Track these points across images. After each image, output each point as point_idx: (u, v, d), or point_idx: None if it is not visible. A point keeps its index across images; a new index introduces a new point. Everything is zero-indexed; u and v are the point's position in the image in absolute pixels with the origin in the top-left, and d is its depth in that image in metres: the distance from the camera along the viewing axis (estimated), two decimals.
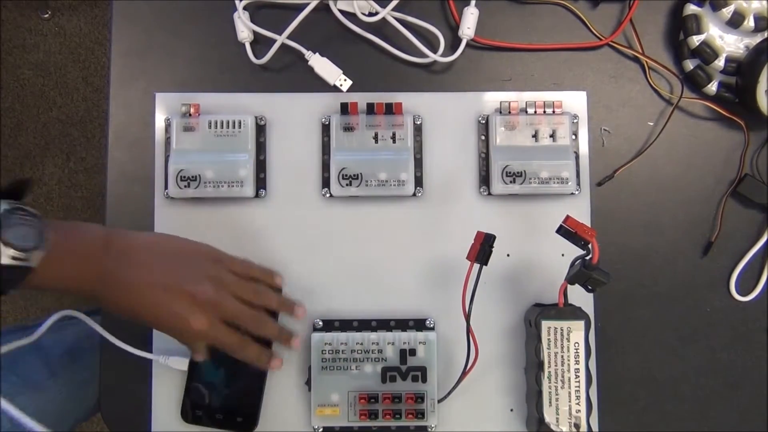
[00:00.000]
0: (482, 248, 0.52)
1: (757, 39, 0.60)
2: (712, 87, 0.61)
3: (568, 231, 0.51)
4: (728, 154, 0.62)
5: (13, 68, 1.39)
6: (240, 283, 0.52)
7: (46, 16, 1.39)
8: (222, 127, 0.59)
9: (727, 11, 0.58)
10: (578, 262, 0.52)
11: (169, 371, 0.58)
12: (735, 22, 0.59)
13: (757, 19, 0.59)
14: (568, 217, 0.51)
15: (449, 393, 0.57)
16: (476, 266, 0.52)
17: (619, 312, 0.61)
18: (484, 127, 0.60)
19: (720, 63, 0.59)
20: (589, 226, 0.59)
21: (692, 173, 0.62)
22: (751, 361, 0.61)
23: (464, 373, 0.55)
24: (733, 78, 0.60)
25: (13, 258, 0.42)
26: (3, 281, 0.42)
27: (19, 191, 0.45)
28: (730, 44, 0.60)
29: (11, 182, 0.45)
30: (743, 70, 0.59)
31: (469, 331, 0.54)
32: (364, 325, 0.59)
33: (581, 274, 0.51)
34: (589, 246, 0.50)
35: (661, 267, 0.61)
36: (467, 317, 0.53)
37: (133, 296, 0.49)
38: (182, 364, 0.58)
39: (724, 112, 0.61)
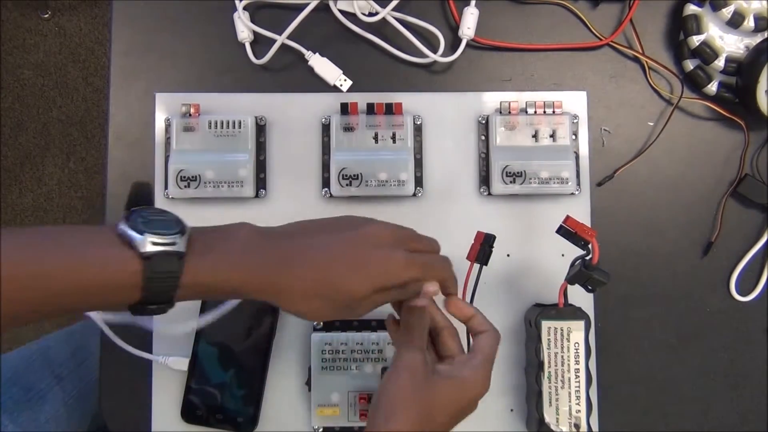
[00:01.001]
0: (482, 248, 0.52)
1: (757, 39, 0.60)
2: (712, 87, 0.61)
3: (568, 231, 0.51)
4: (728, 154, 0.62)
5: (13, 68, 1.39)
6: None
7: (46, 16, 1.40)
8: (222, 127, 0.59)
9: (727, 11, 0.58)
10: (578, 262, 0.52)
11: (169, 371, 0.58)
12: (735, 22, 0.59)
13: (757, 19, 0.59)
14: (568, 217, 0.51)
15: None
16: (476, 266, 0.52)
17: (619, 312, 0.61)
18: (484, 127, 0.60)
19: (720, 63, 0.59)
20: (589, 226, 0.60)
21: (692, 173, 0.62)
22: (751, 361, 0.61)
23: None
24: (733, 78, 0.60)
25: (160, 244, 0.38)
26: (155, 276, 0.38)
27: (143, 195, 0.43)
28: (730, 44, 0.60)
29: (132, 189, 0.42)
30: (743, 70, 0.59)
31: (469, 334, 0.54)
32: (364, 325, 0.59)
33: (581, 274, 0.51)
34: (589, 246, 0.50)
35: (661, 267, 0.61)
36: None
37: (316, 266, 0.41)
38: (182, 364, 0.58)
39: (724, 112, 0.61)
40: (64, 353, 0.67)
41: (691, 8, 0.60)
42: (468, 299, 0.53)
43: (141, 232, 0.38)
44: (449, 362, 0.47)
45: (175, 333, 0.58)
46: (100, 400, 0.60)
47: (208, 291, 0.40)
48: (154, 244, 0.38)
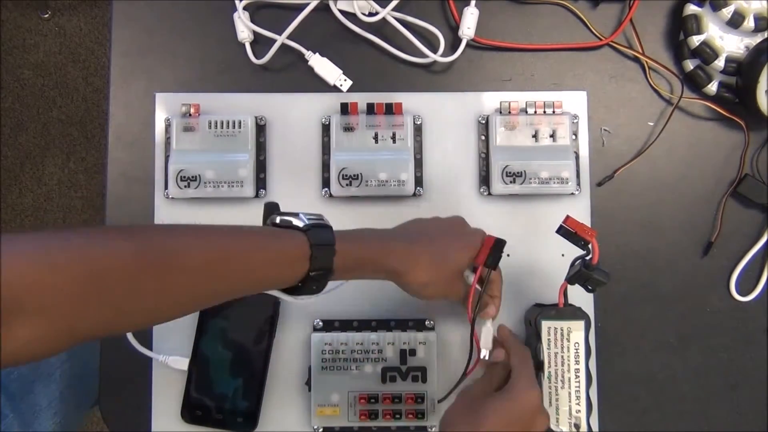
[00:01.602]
0: (493, 253, 0.52)
1: (757, 39, 0.60)
2: (712, 87, 0.61)
3: (568, 231, 0.51)
4: (728, 154, 0.62)
5: (13, 68, 1.39)
6: None
7: (46, 16, 1.39)
8: (222, 127, 0.59)
9: (727, 11, 0.58)
10: (578, 262, 0.52)
11: (169, 371, 0.58)
12: (735, 22, 0.59)
13: (757, 19, 0.59)
14: (568, 217, 0.51)
15: (449, 393, 0.57)
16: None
17: (619, 312, 0.61)
18: (484, 127, 0.60)
19: (720, 63, 0.59)
20: (589, 226, 0.60)
21: (692, 173, 0.62)
22: (751, 361, 0.61)
23: (464, 375, 0.55)
24: (733, 78, 0.60)
25: (311, 219, 0.46)
26: (318, 245, 0.45)
27: (272, 211, 0.49)
28: (730, 44, 0.60)
29: (264, 210, 0.49)
30: (743, 70, 0.59)
31: (473, 335, 0.54)
32: (364, 325, 0.59)
33: (581, 274, 0.51)
34: (589, 246, 0.50)
35: (661, 267, 0.61)
36: (472, 322, 0.53)
37: (443, 238, 0.51)
38: (182, 363, 0.58)
39: (724, 112, 0.61)
40: None
41: (691, 8, 0.60)
42: (473, 305, 0.53)
43: (295, 218, 0.46)
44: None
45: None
46: (100, 400, 0.60)
47: (356, 264, 0.48)
48: (309, 220, 0.46)
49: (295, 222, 0.46)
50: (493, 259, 0.52)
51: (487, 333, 0.54)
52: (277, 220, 0.47)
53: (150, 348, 0.59)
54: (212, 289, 0.42)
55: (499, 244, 0.52)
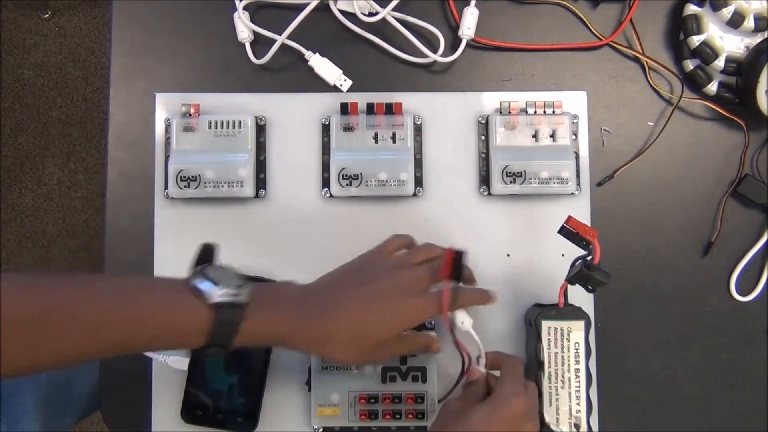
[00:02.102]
0: (454, 266, 0.50)
1: (757, 39, 0.60)
2: (712, 87, 0.61)
3: (570, 231, 0.51)
4: (728, 154, 0.62)
5: (13, 68, 1.39)
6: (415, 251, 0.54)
7: (46, 16, 1.40)
8: (222, 127, 0.59)
9: (727, 11, 0.58)
10: (579, 262, 0.52)
11: (169, 371, 0.58)
12: (735, 22, 0.59)
13: (757, 19, 0.59)
14: (569, 217, 0.51)
15: (449, 393, 0.57)
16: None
17: (619, 312, 0.61)
18: (484, 127, 0.60)
19: (720, 63, 0.59)
20: (590, 226, 0.60)
21: (692, 173, 0.62)
22: (751, 361, 0.61)
23: (461, 377, 0.55)
24: (733, 78, 0.60)
25: (228, 295, 0.44)
26: (224, 324, 0.44)
27: (207, 256, 0.48)
28: (730, 44, 0.60)
29: (199, 250, 0.48)
30: (743, 70, 0.59)
31: (456, 343, 0.53)
32: None
33: (582, 274, 0.51)
34: (591, 246, 0.50)
35: (661, 267, 0.61)
36: (452, 331, 0.52)
37: (353, 315, 0.48)
38: (182, 363, 0.58)
39: (724, 112, 0.61)
40: None
41: (691, 8, 0.60)
42: (449, 319, 0.51)
43: (212, 285, 0.44)
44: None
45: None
46: (100, 400, 0.60)
47: (261, 339, 0.46)
48: (222, 295, 0.44)
49: (208, 293, 0.44)
50: (456, 273, 0.50)
51: (472, 341, 0.53)
52: (194, 282, 0.45)
53: None
54: (93, 351, 0.43)
55: (458, 257, 0.50)
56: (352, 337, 0.47)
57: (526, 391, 0.50)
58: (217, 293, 0.44)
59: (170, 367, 0.58)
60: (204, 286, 0.44)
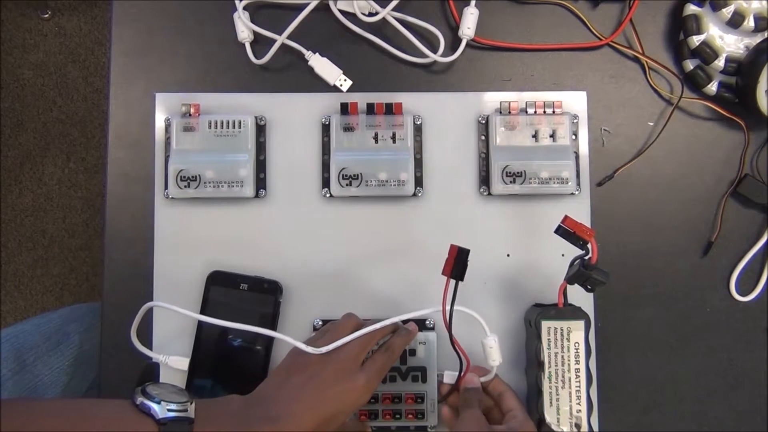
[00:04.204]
0: (457, 263, 0.50)
1: (757, 39, 0.60)
2: (712, 87, 0.61)
3: (567, 231, 0.51)
4: (728, 154, 0.62)
5: (13, 68, 1.39)
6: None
7: (46, 16, 1.40)
8: (222, 127, 0.59)
9: (727, 11, 0.58)
10: (577, 262, 0.52)
11: (169, 371, 0.58)
12: (735, 22, 0.59)
13: (757, 19, 0.59)
14: (566, 217, 0.51)
15: (448, 393, 0.57)
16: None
17: (619, 312, 0.61)
18: (484, 127, 0.60)
19: (720, 63, 0.59)
20: (589, 226, 0.60)
21: (692, 173, 0.62)
22: (751, 361, 0.61)
23: (459, 379, 0.56)
24: (733, 78, 0.60)
25: (175, 410, 0.45)
26: None
27: (149, 376, 0.51)
28: (730, 44, 0.60)
29: (141, 371, 0.50)
30: (743, 70, 0.59)
31: (453, 342, 0.53)
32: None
33: (580, 274, 0.51)
34: (588, 246, 0.50)
35: (661, 267, 0.61)
36: (449, 329, 0.52)
37: (299, 415, 0.48)
38: (183, 363, 0.58)
39: (724, 112, 0.61)
40: (37, 338, 0.68)
41: (691, 8, 0.60)
42: (447, 315, 0.51)
43: (158, 402, 0.45)
44: (507, 419, 0.54)
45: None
46: (99, 386, 0.60)
47: None
48: (170, 411, 0.45)
49: (154, 409, 0.45)
50: (457, 270, 0.50)
51: (491, 349, 0.55)
52: (138, 400, 0.45)
53: (150, 348, 0.59)
54: None
55: (462, 254, 0.50)
56: None
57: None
58: (165, 409, 0.45)
59: (170, 366, 0.58)
60: (150, 403, 0.45)
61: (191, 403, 0.46)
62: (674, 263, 0.61)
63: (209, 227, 0.60)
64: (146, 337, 0.59)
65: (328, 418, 0.49)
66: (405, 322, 0.59)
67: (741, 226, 0.61)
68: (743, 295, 0.61)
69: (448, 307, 0.51)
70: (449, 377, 0.57)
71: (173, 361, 0.58)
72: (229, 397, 0.49)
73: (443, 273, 0.50)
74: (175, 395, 0.46)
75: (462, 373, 0.55)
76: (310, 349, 0.51)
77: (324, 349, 0.50)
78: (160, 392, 0.46)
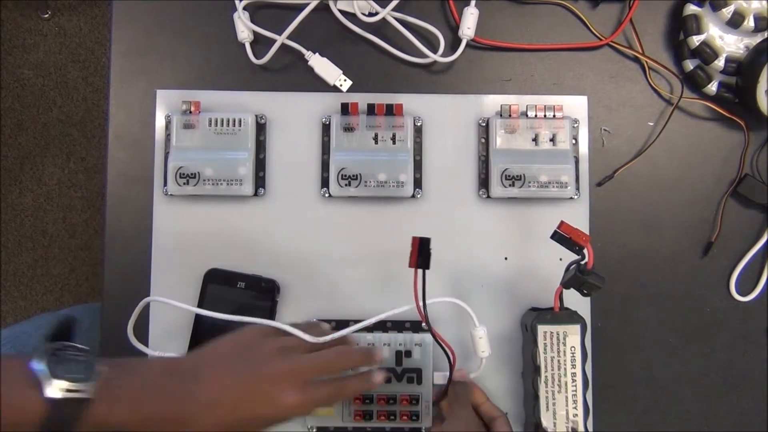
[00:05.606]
0: (420, 253, 0.50)
1: (757, 39, 0.60)
2: (712, 87, 0.61)
3: (563, 236, 0.51)
4: (728, 154, 0.62)
5: (13, 68, 1.39)
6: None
7: (46, 16, 1.40)
8: (222, 125, 0.59)
9: (727, 11, 0.58)
10: (573, 266, 0.52)
11: None
12: (735, 22, 0.59)
13: (757, 19, 0.58)
14: (562, 222, 0.51)
15: (444, 394, 0.57)
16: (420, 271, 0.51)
17: (619, 312, 0.61)
18: (485, 130, 0.60)
19: (720, 63, 0.59)
20: (588, 227, 0.60)
21: (692, 173, 0.62)
22: (751, 361, 0.61)
23: (451, 374, 0.56)
24: (733, 78, 0.60)
25: (67, 390, 0.40)
26: (60, 419, 0.40)
27: (65, 331, 0.44)
28: (730, 44, 0.60)
29: (56, 324, 0.43)
30: (743, 70, 0.59)
31: (433, 333, 0.53)
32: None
33: (576, 278, 0.51)
34: (584, 251, 0.50)
35: (661, 267, 0.61)
36: (427, 322, 0.51)
37: (218, 407, 0.45)
38: None
39: (724, 112, 0.61)
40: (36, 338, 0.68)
41: (691, 8, 0.60)
42: (421, 305, 0.51)
43: (52, 376, 0.40)
44: None
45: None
46: None
47: (111, 429, 0.42)
48: (62, 390, 0.40)
49: (44, 384, 0.40)
50: (422, 260, 0.50)
51: (480, 340, 0.55)
52: (34, 365, 0.40)
53: (146, 345, 0.59)
54: None
55: (424, 243, 0.50)
56: (218, 427, 0.44)
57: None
58: (57, 387, 0.40)
59: None
60: (44, 374, 0.40)
61: (94, 379, 0.41)
62: (674, 263, 0.61)
63: (207, 225, 0.60)
64: (143, 335, 0.59)
65: (241, 420, 0.45)
66: (401, 325, 0.59)
67: (741, 226, 0.61)
68: (743, 295, 0.61)
69: (421, 302, 0.50)
70: (439, 377, 0.57)
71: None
72: (151, 362, 0.46)
73: (410, 265, 0.50)
74: (76, 366, 0.41)
75: (451, 365, 0.55)
76: (307, 337, 0.50)
77: (322, 339, 0.49)
78: (62, 360, 0.41)
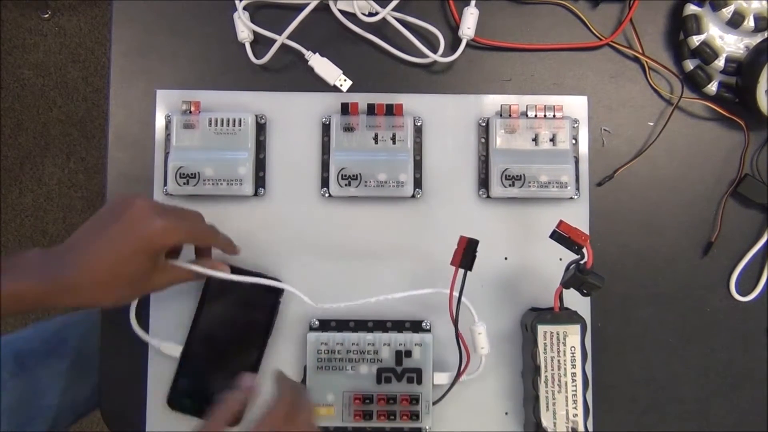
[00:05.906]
0: (466, 254, 0.51)
1: (757, 39, 0.60)
2: (712, 87, 0.61)
3: (562, 236, 0.51)
4: (728, 154, 0.62)
5: (13, 68, 1.39)
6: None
7: (46, 16, 1.40)
8: (222, 124, 0.59)
9: (727, 11, 0.58)
10: (573, 266, 0.52)
11: (163, 357, 0.58)
12: (735, 22, 0.59)
13: (757, 19, 0.58)
14: (561, 221, 0.51)
15: (444, 395, 0.57)
16: (461, 271, 0.52)
17: (619, 312, 0.61)
18: (485, 130, 0.60)
19: (720, 63, 0.59)
20: (588, 227, 0.60)
21: (692, 173, 0.62)
22: (751, 361, 0.61)
23: (458, 376, 0.55)
24: (733, 78, 0.60)
25: None
26: None
27: None
28: (730, 44, 0.60)
29: None
30: (743, 70, 0.59)
31: (458, 335, 0.54)
32: (361, 325, 0.59)
33: (576, 278, 0.51)
34: (583, 251, 0.50)
35: (661, 267, 0.61)
36: (455, 322, 0.53)
37: (98, 256, 0.48)
38: (175, 350, 0.58)
39: (724, 112, 0.61)
40: (34, 344, 0.68)
41: (691, 8, 0.60)
42: (454, 305, 0.52)
43: None
44: None
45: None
46: (99, 400, 0.60)
47: (12, 305, 0.46)
48: None
49: None
50: (466, 260, 0.51)
51: (480, 335, 0.55)
52: None
53: (147, 331, 0.59)
54: None
55: (471, 245, 0.51)
56: (101, 281, 0.47)
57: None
58: None
59: (162, 352, 0.58)
60: None
61: None
62: (674, 263, 0.61)
63: None
64: (144, 329, 0.59)
65: (120, 259, 0.47)
66: (401, 325, 0.59)
67: (741, 226, 0.61)
68: (743, 295, 0.61)
69: (455, 300, 0.51)
70: (439, 377, 0.57)
71: (166, 347, 0.58)
72: (29, 252, 0.48)
73: (452, 263, 0.51)
74: None
75: (462, 368, 0.55)
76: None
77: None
78: None
